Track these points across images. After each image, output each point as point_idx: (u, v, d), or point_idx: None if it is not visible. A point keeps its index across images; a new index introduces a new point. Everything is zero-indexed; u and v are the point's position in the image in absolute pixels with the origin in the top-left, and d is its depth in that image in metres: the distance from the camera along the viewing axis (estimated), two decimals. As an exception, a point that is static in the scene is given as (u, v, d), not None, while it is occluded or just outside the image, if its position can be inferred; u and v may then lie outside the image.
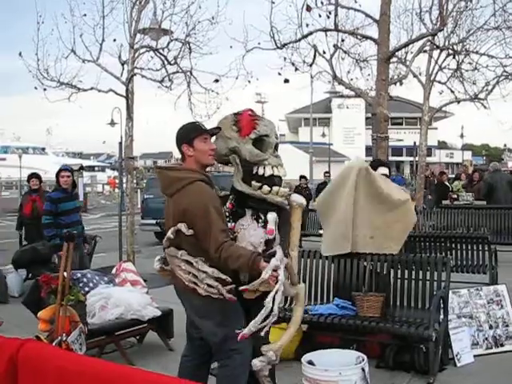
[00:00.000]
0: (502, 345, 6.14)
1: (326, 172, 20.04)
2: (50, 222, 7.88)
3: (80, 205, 7.99)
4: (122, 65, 12.47)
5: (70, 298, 5.17)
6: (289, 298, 5.62)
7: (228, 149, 4.04)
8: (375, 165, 6.84)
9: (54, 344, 4.64)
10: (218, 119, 4.32)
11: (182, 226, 3.65)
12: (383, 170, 6.78)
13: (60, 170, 8.21)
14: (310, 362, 4.12)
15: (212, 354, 4.09)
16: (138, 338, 6.57)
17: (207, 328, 3.92)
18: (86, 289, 6.13)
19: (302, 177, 18.34)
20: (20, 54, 12.94)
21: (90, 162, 66.36)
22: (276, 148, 4.14)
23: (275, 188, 3.96)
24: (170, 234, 3.73)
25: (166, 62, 12.77)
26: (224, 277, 3.63)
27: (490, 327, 6.20)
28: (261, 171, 3.99)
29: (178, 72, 13.01)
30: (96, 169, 58.92)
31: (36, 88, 13.00)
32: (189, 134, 3.83)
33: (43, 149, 65.53)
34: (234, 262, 3.54)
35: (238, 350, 3.79)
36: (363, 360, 4.03)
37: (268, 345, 3.86)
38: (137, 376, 2.39)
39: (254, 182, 3.96)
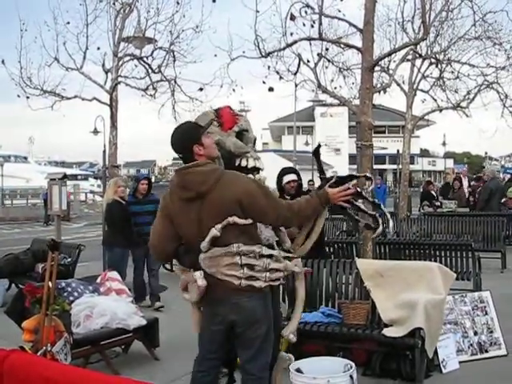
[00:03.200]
0: (486, 351, 6.18)
1: (310, 180, 20.13)
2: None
3: (151, 209, 8.41)
4: (106, 73, 12.47)
5: (54, 308, 5.13)
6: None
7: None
8: (281, 174, 6.69)
9: (38, 354, 4.59)
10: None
11: (236, 219, 3.53)
12: (288, 177, 6.67)
13: (140, 179, 9.32)
14: (298, 370, 4.12)
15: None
16: (123, 347, 6.52)
17: (260, 334, 3.67)
18: (71, 298, 6.07)
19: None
20: (3, 61, 12.91)
21: (73, 170, 65.87)
22: (254, 143, 4.34)
23: (257, 175, 4.10)
24: (215, 232, 3.54)
25: (150, 71, 12.80)
26: (290, 255, 3.78)
27: (475, 333, 6.24)
28: (244, 163, 4.09)
29: (162, 80, 13.05)
30: (79, 177, 58.51)
31: (19, 96, 12.95)
32: (196, 133, 3.74)
33: (25, 157, 64.99)
34: (308, 208, 3.71)
35: (267, 364, 3.78)
36: (351, 367, 4.03)
37: (285, 328, 4.10)
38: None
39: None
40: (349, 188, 3.83)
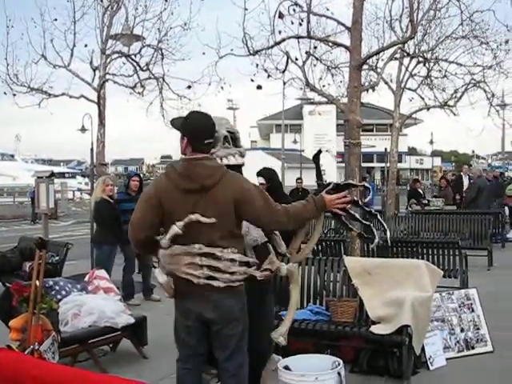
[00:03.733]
0: (472, 347, 6.23)
1: (298, 178, 20.08)
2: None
3: None
4: (94, 70, 12.42)
5: (42, 307, 5.10)
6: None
7: None
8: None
9: (25, 353, 4.56)
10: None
11: (199, 216, 3.51)
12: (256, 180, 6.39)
13: (131, 176, 9.54)
14: (287, 368, 4.13)
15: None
16: (111, 345, 6.50)
17: (237, 333, 3.68)
18: (59, 297, 6.04)
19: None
20: (-11, 58, 12.78)
21: (61, 168, 65.50)
22: (227, 141, 4.20)
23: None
24: (177, 229, 3.52)
25: (138, 68, 12.77)
26: (251, 260, 3.74)
27: (462, 330, 6.29)
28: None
29: (150, 78, 13.02)
30: (66, 175, 58.20)
31: (5, 93, 12.87)
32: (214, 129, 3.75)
33: (12, 155, 64.56)
34: (304, 212, 3.72)
35: (244, 362, 3.78)
36: (339, 364, 4.06)
37: (276, 330, 4.07)
38: (112, 383, 2.38)
39: None
40: (345, 196, 3.87)
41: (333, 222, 14.25)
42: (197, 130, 3.65)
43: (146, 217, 3.65)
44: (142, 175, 11.45)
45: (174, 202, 3.59)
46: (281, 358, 4.28)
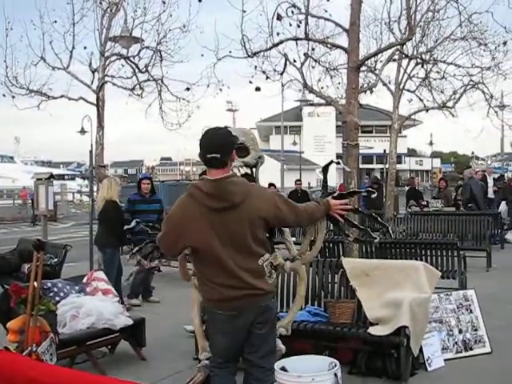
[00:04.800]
0: (471, 348, 6.23)
1: (298, 180, 20.08)
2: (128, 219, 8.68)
3: (157, 208, 9.50)
4: (93, 72, 12.41)
5: (40, 308, 5.10)
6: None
7: None
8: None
9: (23, 355, 4.57)
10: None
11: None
12: None
13: (141, 179, 10.07)
14: (283, 369, 4.14)
15: None
16: (109, 347, 6.50)
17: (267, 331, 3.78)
18: (57, 298, 6.05)
19: (271, 184, 18.86)
20: (-12, 60, 12.78)
21: (60, 170, 65.56)
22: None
23: None
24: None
25: (136, 70, 12.75)
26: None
27: (460, 331, 6.29)
28: None
29: (149, 80, 13.00)
30: (66, 177, 58.23)
31: (4, 95, 12.87)
32: (235, 139, 3.86)
33: (11, 157, 64.61)
34: (317, 212, 4.02)
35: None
36: (336, 366, 4.06)
37: (278, 322, 4.22)
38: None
39: None
40: (347, 204, 4.19)
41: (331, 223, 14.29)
42: (200, 145, 3.67)
43: (170, 239, 3.78)
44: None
45: (198, 219, 3.62)
46: (284, 347, 4.32)
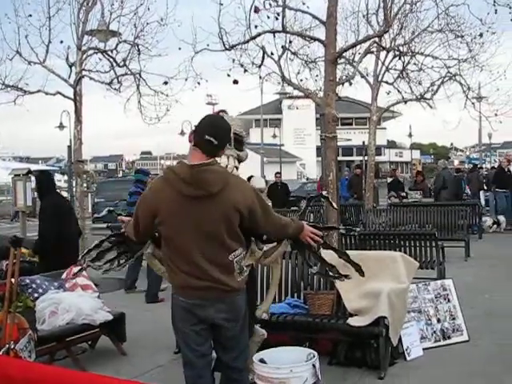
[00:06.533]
0: (449, 337, 6.32)
1: (277, 173, 20.11)
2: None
3: None
4: (70, 67, 12.28)
5: (17, 305, 5.07)
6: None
7: None
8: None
9: (1, 352, 4.53)
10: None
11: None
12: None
13: (147, 174, 10.61)
14: (262, 361, 4.15)
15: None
16: (89, 343, 6.48)
17: (237, 329, 3.69)
18: (36, 295, 6.01)
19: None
20: (-38, 55, 12.58)
21: (39, 166, 64.89)
22: (230, 142, 4.17)
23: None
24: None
25: (114, 64, 12.63)
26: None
27: (438, 321, 6.37)
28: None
29: (126, 74, 12.89)
30: (45, 173, 57.58)
31: (-21, 91, 12.68)
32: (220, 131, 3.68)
33: (-12, 153, 63.84)
34: (289, 227, 3.87)
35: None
36: (314, 356, 4.08)
37: (258, 308, 4.25)
38: (85, 379, 2.37)
39: None
40: (321, 236, 4.03)
41: (312, 215, 14.38)
42: (201, 124, 3.60)
43: (142, 222, 3.67)
44: (121, 172, 11.44)
45: (173, 206, 3.52)
46: (265, 332, 4.34)
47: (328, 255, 4.21)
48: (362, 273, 4.29)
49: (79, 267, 6.98)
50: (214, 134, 3.51)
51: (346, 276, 4.17)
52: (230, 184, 3.54)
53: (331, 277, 4.28)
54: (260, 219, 3.66)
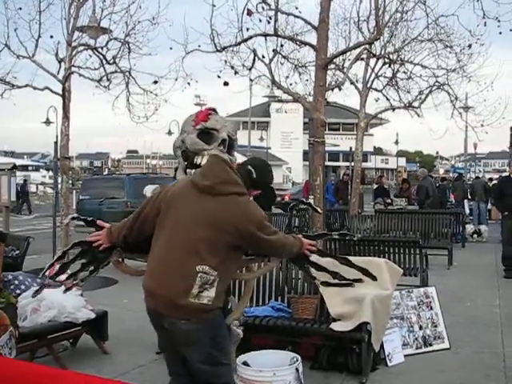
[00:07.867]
0: (430, 344, 6.36)
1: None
2: None
3: None
4: (59, 62, 12.19)
5: (0, 301, 5.03)
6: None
7: (180, 140, 4.21)
8: None
9: (-18, 348, 4.49)
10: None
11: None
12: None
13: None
14: (245, 363, 4.16)
15: None
16: (71, 341, 6.44)
17: (196, 359, 3.44)
18: (18, 291, 5.96)
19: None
20: (-51, 47, 12.45)
21: (24, 161, 64.44)
22: (224, 145, 4.20)
23: None
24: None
25: (104, 62, 12.56)
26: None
27: (420, 328, 6.41)
28: (198, 160, 4.11)
29: (116, 72, 12.82)
30: (30, 168, 57.25)
31: (-34, 84, 12.57)
32: None
33: (-27, 147, 63.27)
34: (295, 245, 3.86)
35: None
36: (297, 360, 4.10)
37: (229, 316, 4.03)
38: (67, 377, 2.36)
39: (188, 170, 4.13)
40: (314, 245, 4.08)
41: (297, 219, 14.39)
42: (268, 170, 3.91)
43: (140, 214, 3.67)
44: (107, 170, 11.36)
45: (185, 198, 3.50)
46: (241, 332, 4.28)
47: (325, 263, 4.18)
48: (373, 277, 4.26)
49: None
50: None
51: (358, 280, 4.17)
52: (238, 198, 3.49)
53: (339, 285, 4.26)
54: (263, 243, 3.56)
